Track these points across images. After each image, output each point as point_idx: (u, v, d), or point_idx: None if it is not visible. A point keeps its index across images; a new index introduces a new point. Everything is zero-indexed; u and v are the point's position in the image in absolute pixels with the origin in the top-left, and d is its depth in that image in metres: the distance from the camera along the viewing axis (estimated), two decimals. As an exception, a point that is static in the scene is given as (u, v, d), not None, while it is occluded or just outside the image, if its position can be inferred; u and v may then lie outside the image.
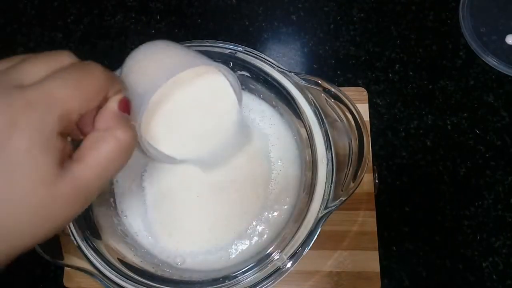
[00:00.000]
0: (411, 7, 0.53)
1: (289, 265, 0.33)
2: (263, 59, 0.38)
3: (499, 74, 0.50)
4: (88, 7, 0.55)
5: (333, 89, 0.35)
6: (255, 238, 0.39)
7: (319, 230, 0.33)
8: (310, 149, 0.37)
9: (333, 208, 0.34)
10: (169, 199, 0.39)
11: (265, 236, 0.39)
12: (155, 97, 0.27)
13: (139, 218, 0.40)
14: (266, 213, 0.39)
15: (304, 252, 0.33)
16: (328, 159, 0.35)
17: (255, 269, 0.34)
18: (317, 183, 0.35)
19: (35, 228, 0.20)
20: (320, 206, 0.34)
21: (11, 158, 0.18)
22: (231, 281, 0.34)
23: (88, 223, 0.36)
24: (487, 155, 0.47)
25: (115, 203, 0.40)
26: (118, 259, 0.36)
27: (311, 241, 0.33)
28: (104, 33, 0.54)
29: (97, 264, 0.34)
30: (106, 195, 0.41)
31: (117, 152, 0.21)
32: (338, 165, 0.35)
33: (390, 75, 0.51)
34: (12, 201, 0.19)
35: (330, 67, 0.52)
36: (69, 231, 0.34)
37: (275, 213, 0.39)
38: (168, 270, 0.38)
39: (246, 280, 0.34)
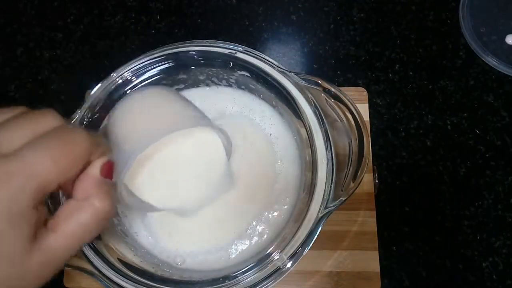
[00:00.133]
0: (411, 7, 0.53)
1: (289, 265, 0.33)
2: (263, 59, 0.38)
3: (499, 74, 0.50)
4: (88, 7, 0.55)
5: (333, 89, 0.35)
6: (255, 238, 0.39)
7: (319, 230, 0.33)
8: (310, 149, 0.37)
9: (333, 208, 0.34)
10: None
11: (265, 236, 0.39)
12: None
13: (139, 219, 0.40)
14: (266, 213, 0.39)
15: (304, 252, 0.33)
16: (328, 159, 0.35)
17: (255, 269, 0.34)
18: (317, 183, 0.35)
19: None
20: (320, 206, 0.34)
21: None
22: (231, 281, 0.34)
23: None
24: (487, 155, 0.47)
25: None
26: (118, 259, 0.36)
27: (311, 241, 0.33)
28: (104, 33, 0.54)
29: (97, 264, 0.34)
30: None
31: (94, 222, 0.21)
32: (338, 165, 0.35)
33: (390, 75, 0.51)
34: None
35: (330, 67, 0.52)
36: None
37: (275, 213, 0.39)
38: (168, 270, 0.38)
39: (246, 280, 0.34)
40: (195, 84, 0.43)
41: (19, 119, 0.20)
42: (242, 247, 0.38)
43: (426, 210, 0.46)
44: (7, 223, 0.18)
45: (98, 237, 0.37)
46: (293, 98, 0.37)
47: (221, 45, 0.38)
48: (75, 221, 0.20)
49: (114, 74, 0.38)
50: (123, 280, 0.34)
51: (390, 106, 0.49)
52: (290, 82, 0.37)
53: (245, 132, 0.41)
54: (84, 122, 0.37)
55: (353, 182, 0.34)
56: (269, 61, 0.38)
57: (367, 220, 0.44)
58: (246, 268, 0.35)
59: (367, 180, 0.44)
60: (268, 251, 0.36)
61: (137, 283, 0.34)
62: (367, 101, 0.48)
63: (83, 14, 0.55)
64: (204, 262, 0.38)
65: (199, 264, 0.38)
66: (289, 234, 0.35)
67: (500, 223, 0.45)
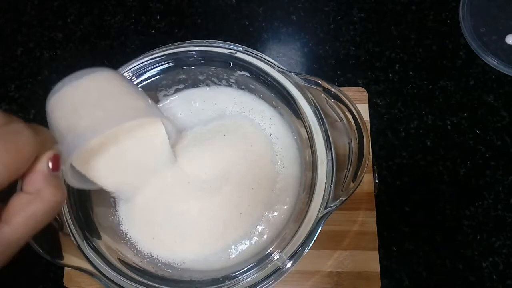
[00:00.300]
0: (411, 7, 0.53)
1: (289, 265, 0.33)
2: (263, 59, 0.38)
3: (499, 74, 0.50)
4: (88, 7, 0.55)
5: (333, 89, 0.35)
6: (255, 238, 0.39)
7: (319, 230, 0.33)
8: (310, 149, 0.37)
9: (333, 208, 0.34)
10: (169, 200, 0.39)
11: (265, 236, 0.39)
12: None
13: (140, 219, 0.40)
14: (266, 213, 0.39)
15: (304, 252, 0.33)
16: (328, 159, 0.35)
17: (255, 269, 0.34)
18: (317, 183, 0.35)
19: None
20: (320, 206, 0.34)
21: None
22: (231, 281, 0.34)
23: (88, 223, 0.36)
24: (487, 155, 0.47)
25: (115, 203, 0.40)
26: (118, 259, 0.36)
27: (311, 241, 0.33)
28: (104, 33, 0.54)
29: (97, 264, 0.34)
30: (106, 195, 0.41)
31: (45, 212, 0.22)
32: (338, 165, 0.35)
33: (390, 75, 0.51)
34: None
35: (330, 67, 0.52)
36: (69, 231, 0.34)
37: (275, 213, 0.39)
38: (168, 270, 0.38)
39: (246, 280, 0.34)
40: (195, 84, 0.43)
41: None
42: (242, 247, 0.38)
43: (426, 210, 0.46)
44: None
45: (98, 237, 0.37)
46: (293, 98, 0.37)
47: (221, 45, 0.38)
48: (27, 214, 0.21)
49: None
50: (123, 280, 0.34)
51: (390, 106, 0.49)
52: (290, 82, 0.37)
53: (245, 132, 0.41)
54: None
55: (353, 182, 0.34)
56: (269, 61, 0.38)
57: (367, 220, 0.44)
58: (246, 268, 0.35)
59: (367, 180, 0.44)
60: (268, 251, 0.36)
61: (137, 283, 0.34)
62: (367, 101, 0.48)
63: (83, 14, 0.55)
64: (204, 262, 0.38)
65: (199, 264, 0.38)
66: (289, 234, 0.35)
67: (500, 223, 0.45)
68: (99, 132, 0.27)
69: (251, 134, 0.41)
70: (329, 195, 0.34)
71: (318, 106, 0.36)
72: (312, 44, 0.53)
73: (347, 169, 0.35)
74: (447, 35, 0.52)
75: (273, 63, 0.38)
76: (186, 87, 0.43)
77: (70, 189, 0.36)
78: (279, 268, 0.33)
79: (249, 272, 0.34)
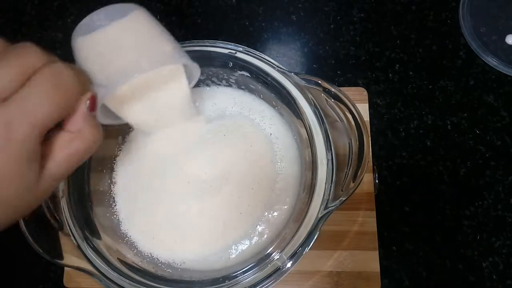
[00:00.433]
0: (411, 7, 0.53)
1: (289, 265, 0.33)
2: (263, 59, 0.38)
3: (499, 74, 0.50)
4: (88, 7, 0.55)
5: (333, 89, 0.35)
6: (255, 238, 0.39)
7: (319, 230, 0.33)
8: (310, 149, 0.37)
9: (333, 208, 0.34)
10: (169, 200, 0.39)
11: (265, 236, 0.39)
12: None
13: (140, 220, 0.40)
14: (266, 213, 0.39)
15: (304, 252, 0.33)
16: (328, 159, 0.35)
17: (255, 269, 0.34)
18: (317, 183, 0.35)
19: (14, 215, 0.23)
20: (320, 206, 0.34)
21: (1, 171, 0.21)
22: (231, 281, 0.34)
23: (88, 223, 0.36)
24: (487, 155, 0.47)
25: (115, 203, 0.40)
26: (118, 259, 0.36)
27: (311, 241, 0.33)
28: (104, 33, 0.54)
29: (97, 264, 0.34)
30: (106, 195, 0.41)
31: (84, 150, 0.24)
32: (338, 165, 0.35)
33: (390, 75, 0.51)
34: None
35: (330, 67, 0.52)
36: (69, 231, 0.34)
37: (275, 213, 0.39)
38: (168, 270, 0.38)
39: (246, 280, 0.34)
40: (195, 84, 0.43)
41: (2, 60, 0.21)
42: (242, 247, 0.38)
43: (426, 210, 0.46)
44: (24, 162, 0.21)
45: (98, 237, 0.37)
46: (293, 98, 0.37)
47: (221, 45, 0.38)
48: (70, 151, 0.24)
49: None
50: (123, 280, 0.34)
51: (390, 106, 0.49)
52: (290, 82, 0.37)
53: (245, 132, 0.41)
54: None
55: (353, 182, 0.34)
56: (269, 61, 0.38)
57: (367, 220, 0.44)
58: (246, 268, 0.35)
59: (367, 180, 0.44)
60: (268, 251, 0.36)
61: (137, 283, 0.34)
62: (367, 101, 0.48)
63: (83, 14, 0.55)
64: (204, 262, 0.38)
65: (199, 264, 0.38)
66: (289, 234, 0.35)
67: (500, 223, 0.45)
68: (129, 78, 0.27)
69: (251, 134, 0.41)
70: (329, 195, 0.34)
71: (318, 106, 0.36)
72: (312, 44, 0.53)
73: (347, 169, 0.35)
74: (447, 35, 0.52)
75: (273, 63, 0.38)
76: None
77: (70, 190, 0.36)
78: (279, 268, 0.33)
79: (249, 272, 0.34)
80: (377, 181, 0.44)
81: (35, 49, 0.22)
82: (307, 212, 0.34)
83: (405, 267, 0.44)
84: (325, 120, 0.36)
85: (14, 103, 0.20)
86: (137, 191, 0.40)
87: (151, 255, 0.38)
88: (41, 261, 0.33)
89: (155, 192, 0.39)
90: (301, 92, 0.37)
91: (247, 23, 0.54)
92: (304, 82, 0.36)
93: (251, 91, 0.42)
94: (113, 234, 0.39)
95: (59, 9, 0.56)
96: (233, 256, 0.38)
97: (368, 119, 0.47)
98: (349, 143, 0.35)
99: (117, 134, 0.42)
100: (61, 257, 0.34)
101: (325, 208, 0.34)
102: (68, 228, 0.34)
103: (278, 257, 0.34)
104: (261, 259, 0.35)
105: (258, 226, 0.39)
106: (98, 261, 0.34)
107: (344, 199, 0.34)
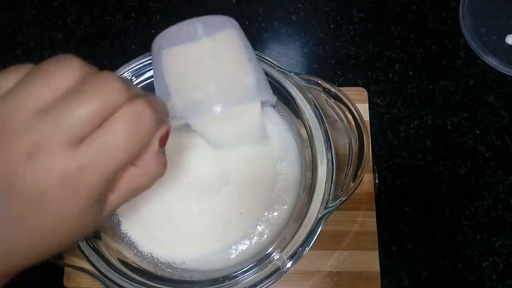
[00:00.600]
0: (411, 7, 0.53)
1: (289, 265, 0.33)
2: (263, 59, 0.38)
3: (499, 74, 0.50)
4: (88, 7, 0.55)
5: (333, 89, 0.35)
6: (255, 238, 0.39)
7: (319, 230, 0.33)
8: (310, 149, 0.37)
9: (333, 208, 0.34)
10: (169, 200, 0.39)
11: (265, 236, 0.39)
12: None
13: (139, 221, 0.40)
14: (266, 213, 0.39)
15: (304, 252, 0.33)
16: (328, 159, 0.35)
17: (255, 269, 0.34)
18: (317, 183, 0.35)
19: (69, 244, 0.23)
20: (320, 206, 0.34)
21: (65, 213, 0.20)
22: (231, 281, 0.34)
23: (88, 223, 0.36)
24: (487, 155, 0.47)
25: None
26: (118, 259, 0.36)
27: (311, 241, 0.33)
28: (104, 33, 0.54)
29: (97, 264, 0.34)
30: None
31: (149, 184, 0.24)
32: (338, 165, 0.35)
33: (390, 75, 0.51)
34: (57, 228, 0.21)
35: (330, 67, 0.52)
36: (69, 231, 0.34)
37: (275, 213, 0.39)
38: (168, 270, 0.38)
39: (246, 280, 0.34)
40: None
41: (81, 90, 0.20)
42: (242, 247, 0.38)
43: (426, 210, 0.46)
44: (90, 205, 0.21)
45: (98, 237, 0.37)
46: (293, 98, 0.37)
47: (221, 45, 0.38)
48: (135, 185, 0.23)
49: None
50: (123, 280, 0.34)
51: (390, 106, 0.49)
52: (290, 82, 0.37)
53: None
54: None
55: (353, 182, 0.34)
56: (269, 61, 0.38)
57: (367, 220, 0.44)
58: (246, 268, 0.35)
59: (367, 180, 0.44)
60: (268, 251, 0.36)
61: (137, 283, 0.34)
62: (367, 101, 0.48)
63: (83, 14, 0.55)
64: (204, 262, 0.38)
65: (199, 264, 0.38)
66: (289, 234, 0.35)
67: (500, 223, 0.45)
68: (203, 114, 0.28)
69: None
70: (329, 195, 0.34)
71: (318, 106, 0.36)
72: (312, 44, 0.53)
73: (347, 169, 0.35)
74: (447, 35, 0.52)
75: (273, 63, 0.38)
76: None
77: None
78: (279, 268, 0.33)
79: (249, 272, 0.34)
80: (377, 181, 0.44)
81: (117, 83, 0.20)
82: (307, 212, 0.34)
83: (405, 267, 0.44)
84: (325, 120, 0.36)
85: (91, 147, 0.19)
86: None
87: (151, 255, 0.38)
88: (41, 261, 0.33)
89: (154, 192, 0.39)
90: (301, 92, 0.37)
91: (247, 23, 0.54)
92: (304, 82, 0.36)
93: (251, 91, 0.42)
94: (113, 234, 0.38)
95: (59, 9, 0.56)
96: (233, 256, 0.38)
97: (368, 119, 0.47)
98: (349, 143, 0.35)
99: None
100: (61, 257, 0.34)
101: (325, 208, 0.34)
102: (68, 228, 0.34)
103: (278, 257, 0.34)
104: (261, 259, 0.35)
105: (258, 226, 0.39)
106: (98, 261, 0.34)
107: (344, 199, 0.34)
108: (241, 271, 0.35)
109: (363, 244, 0.43)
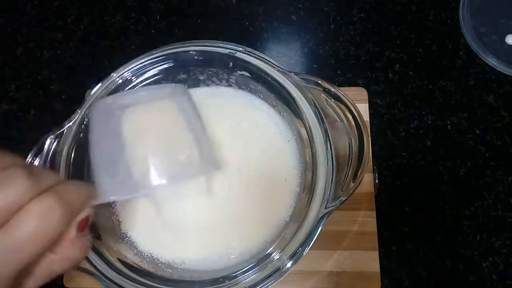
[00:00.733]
0: (411, 7, 0.53)
1: (289, 265, 0.33)
2: (263, 59, 0.38)
3: (499, 74, 0.50)
4: (88, 7, 0.55)
5: (333, 89, 0.35)
6: (255, 238, 0.38)
7: (319, 230, 0.33)
8: (310, 149, 0.37)
9: (333, 208, 0.34)
10: (169, 200, 0.39)
11: (265, 236, 0.38)
12: None
13: (141, 223, 0.40)
14: (266, 213, 0.39)
15: (304, 252, 0.33)
16: (328, 159, 0.35)
17: (255, 269, 0.34)
18: (317, 183, 0.35)
19: None
20: (320, 206, 0.34)
21: None
22: (231, 281, 0.34)
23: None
24: (487, 155, 0.47)
25: (115, 203, 0.40)
26: (118, 259, 0.36)
27: (311, 241, 0.33)
28: (104, 33, 0.54)
29: (97, 264, 0.34)
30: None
31: (68, 269, 0.23)
32: (338, 165, 0.35)
33: (390, 75, 0.51)
34: None
35: (330, 67, 0.52)
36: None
37: (275, 213, 0.39)
38: (168, 270, 0.38)
39: (246, 280, 0.34)
40: (195, 84, 0.43)
41: None
42: (242, 247, 0.38)
43: (426, 210, 0.46)
44: (8, 284, 0.20)
45: (98, 237, 0.37)
46: (293, 98, 0.37)
47: (221, 45, 0.38)
48: (52, 270, 0.23)
49: (114, 74, 0.38)
50: (123, 280, 0.34)
51: (390, 106, 0.49)
52: (290, 82, 0.37)
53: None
54: (84, 122, 0.37)
55: (353, 182, 0.34)
56: (269, 61, 0.38)
57: (367, 220, 0.44)
58: (246, 268, 0.35)
59: (367, 180, 0.44)
60: (268, 251, 0.36)
61: (137, 283, 0.34)
62: (367, 101, 0.48)
63: (83, 14, 0.55)
64: (204, 262, 0.38)
65: (199, 264, 0.38)
66: (289, 234, 0.35)
67: (500, 223, 0.45)
68: (132, 195, 0.27)
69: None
70: (329, 195, 0.34)
71: (318, 106, 0.36)
72: (312, 44, 0.53)
73: (347, 169, 0.35)
74: (447, 35, 0.52)
75: (273, 63, 0.38)
76: (186, 87, 0.43)
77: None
78: (279, 268, 0.33)
79: (249, 272, 0.34)
80: (377, 181, 0.44)
81: (22, 180, 0.20)
82: (307, 212, 0.34)
83: (405, 267, 0.44)
84: (325, 120, 0.36)
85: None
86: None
87: (151, 255, 0.38)
88: (41, 261, 0.33)
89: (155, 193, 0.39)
90: (301, 92, 0.37)
91: (247, 23, 0.54)
92: (304, 82, 0.36)
93: (252, 91, 0.42)
94: (113, 234, 0.38)
95: (59, 9, 0.56)
96: (233, 256, 0.38)
97: (368, 119, 0.47)
98: (349, 143, 0.35)
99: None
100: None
101: (325, 208, 0.34)
102: (68, 228, 0.34)
103: (278, 257, 0.34)
104: (261, 259, 0.35)
105: (258, 227, 0.39)
106: (98, 261, 0.34)
107: (344, 199, 0.34)
108: (241, 271, 0.35)
109: (363, 244, 0.43)
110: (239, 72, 0.40)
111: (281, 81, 0.37)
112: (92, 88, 0.38)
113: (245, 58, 0.38)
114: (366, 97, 0.48)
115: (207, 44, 0.38)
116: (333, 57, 0.52)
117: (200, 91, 0.43)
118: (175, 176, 0.28)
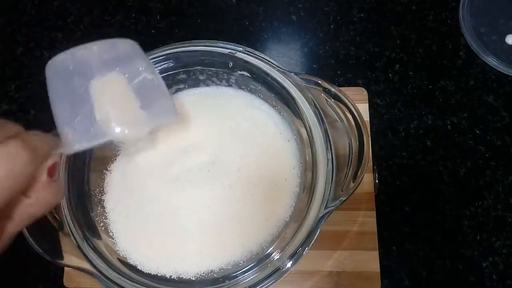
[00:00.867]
0: (411, 7, 0.53)
1: (289, 265, 0.33)
2: (263, 59, 0.38)
3: (499, 74, 0.50)
4: (88, 7, 0.55)
5: (333, 89, 0.35)
6: (255, 241, 0.38)
7: (319, 230, 0.33)
8: (310, 149, 0.37)
9: (333, 208, 0.34)
10: (170, 203, 0.39)
11: (265, 237, 0.38)
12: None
13: (143, 231, 0.39)
14: (266, 213, 0.39)
15: (304, 252, 0.33)
16: (328, 159, 0.35)
17: (255, 269, 0.34)
18: (317, 183, 0.35)
19: None
20: (320, 206, 0.34)
21: None
22: (231, 281, 0.34)
23: (88, 223, 0.36)
24: (487, 155, 0.47)
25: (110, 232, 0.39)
26: (118, 259, 0.36)
27: (311, 241, 0.33)
28: (104, 33, 0.54)
29: (97, 264, 0.34)
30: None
31: (43, 210, 0.25)
32: (338, 165, 0.35)
33: (390, 75, 0.51)
34: None
35: (330, 67, 0.52)
36: (69, 230, 0.34)
37: (275, 213, 0.39)
38: (168, 270, 0.38)
39: (246, 280, 0.34)
40: (195, 84, 0.43)
41: None
42: (242, 252, 0.38)
43: (426, 210, 0.46)
44: None
45: (98, 237, 0.37)
46: (293, 98, 0.37)
47: (221, 45, 0.38)
48: (28, 214, 0.24)
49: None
50: (123, 280, 0.34)
51: (390, 106, 0.49)
52: (290, 82, 0.37)
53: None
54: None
55: (353, 182, 0.34)
56: (269, 61, 0.38)
57: (367, 220, 0.44)
58: (246, 268, 0.35)
59: (367, 180, 0.44)
60: (268, 251, 0.36)
61: (137, 283, 0.34)
62: (367, 101, 0.48)
63: (83, 14, 0.55)
64: (204, 262, 0.38)
65: (199, 265, 0.38)
66: (289, 234, 0.35)
67: (500, 223, 0.45)
68: (106, 138, 0.28)
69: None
70: (329, 195, 0.34)
71: (318, 106, 0.36)
72: (312, 44, 0.53)
73: (347, 169, 0.35)
74: (447, 35, 0.52)
75: (273, 63, 0.38)
76: (186, 87, 0.43)
77: (70, 190, 0.36)
78: (279, 268, 0.33)
79: (249, 272, 0.34)
80: (377, 181, 0.44)
81: None
82: (307, 212, 0.34)
83: (405, 267, 0.44)
84: (325, 120, 0.36)
85: None
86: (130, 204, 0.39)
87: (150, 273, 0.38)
88: (41, 261, 0.33)
89: (145, 207, 0.39)
90: (301, 92, 0.37)
91: (247, 23, 0.54)
92: (304, 82, 0.37)
93: (252, 91, 0.42)
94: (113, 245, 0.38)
95: (59, 9, 0.56)
96: (234, 256, 0.38)
97: (368, 119, 0.47)
98: (349, 143, 0.35)
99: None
100: (61, 257, 0.34)
101: (325, 208, 0.34)
102: (68, 228, 0.34)
103: (278, 257, 0.34)
104: (261, 259, 0.35)
105: (258, 226, 0.39)
106: (98, 261, 0.34)
107: (344, 199, 0.34)
108: (241, 271, 0.35)
109: (363, 244, 0.43)
110: (239, 72, 0.40)
111: (281, 81, 0.37)
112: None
113: (245, 58, 0.38)
114: (366, 97, 0.48)
115: (207, 44, 0.38)
116: (333, 57, 0.52)
117: (200, 91, 0.43)
118: (134, 124, 0.30)
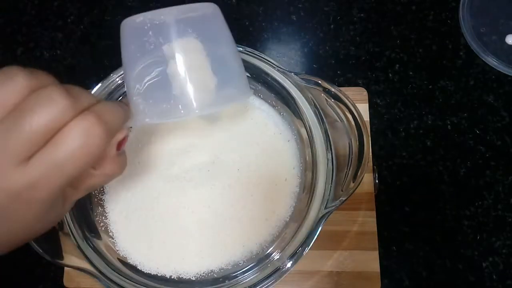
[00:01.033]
0: (411, 7, 0.53)
1: (289, 265, 0.33)
2: (263, 59, 0.38)
3: (499, 74, 0.50)
4: (88, 7, 0.55)
5: (333, 89, 0.35)
6: (255, 241, 0.38)
7: (319, 230, 0.33)
8: (310, 149, 0.37)
9: (333, 208, 0.34)
10: (170, 203, 0.39)
11: (265, 237, 0.38)
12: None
13: (145, 237, 0.39)
14: (266, 213, 0.39)
15: (304, 252, 0.33)
16: (328, 159, 0.35)
17: (255, 269, 0.34)
18: (317, 183, 0.35)
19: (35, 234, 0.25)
20: (320, 206, 0.34)
21: (21, 222, 0.22)
22: (231, 281, 0.34)
23: (88, 223, 0.36)
24: (487, 155, 0.47)
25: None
26: (118, 259, 0.36)
27: (311, 241, 0.33)
28: (104, 33, 0.54)
29: (97, 264, 0.34)
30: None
31: (106, 181, 0.27)
32: (338, 165, 0.35)
33: (390, 75, 0.51)
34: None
35: (330, 67, 0.52)
36: (69, 230, 0.34)
37: (275, 213, 0.39)
38: (168, 271, 0.38)
39: (246, 280, 0.34)
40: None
41: (27, 108, 0.20)
42: (241, 252, 0.38)
43: (426, 210, 0.46)
44: (47, 211, 0.22)
45: (98, 237, 0.37)
46: (293, 98, 0.37)
47: (221, 45, 0.38)
48: (93, 184, 0.26)
49: (114, 74, 0.38)
50: (123, 280, 0.34)
51: (390, 106, 0.49)
52: (290, 82, 0.37)
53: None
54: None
55: (353, 182, 0.34)
56: (269, 61, 0.38)
57: (367, 220, 0.44)
58: (246, 268, 0.35)
59: (367, 180, 0.44)
60: (268, 251, 0.36)
61: (137, 283, 0.34)
62: (367, 101, 0.48)
63: (83, 14, 0.55)
64: (204, 262, 0.38)
65: (199, 265, 0.38)
66: (289, 234, 0.35)
67: (500, 223, 0.45)
68: (168, 119, 0.28)
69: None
70: (329, 195, 0.34)
71: (318, 106, 0.36)
72: (312, 44, 0.53)
73: (347, 169, 0.35)
74: (447, 35, 0.52)
75: (273, 63, 0.38)
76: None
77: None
78: (279, 268, 0.33)
79: (249, 272, 0.34)
80: (377, 181, 0.44)
81: (61, 99, 0.21)
82: (307, 212, 0.34)
83: (405, 267, 0.44)
84: (325, 120, 0.36)
85: (39, 164, 0.20)
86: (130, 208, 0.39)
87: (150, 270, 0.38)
88: (41, 261, 0.33)
89: (146, 211, 0.39)
90: (301, 92, 0.37)
91: (247, 23, 0.54)
92: (304, 82, 0.36)
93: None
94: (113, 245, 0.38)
95: (59, 9, 0.56)
96: (234, 256, 0.38)
97: (368, 119, 0.47)
98: (349, 143, 0.35)
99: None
100: (61, 257, 0.34)
101: (325, 208, 0.34)
102: (68, 228, 0.34)
103: (278, 257, 0.34)
104: (261, 259, 0.35)
105: (258, 227, 0.39)
106: (98, 261, 0.34)
107: (344, 199, 0.34)
108: (241, 271, 0.35)
109: (363, 244, 0.43)
110: (239, 72, 0.40)
111: (281, 81, 0.37)
112: (92, 88, 0.38)
113: (245, 58, 0.38)
114: (366, 97, 0.48)
115: (207, 44, 0.38)
116: (333, 57, 0.52)
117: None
118: (210, 103, 0.28)
